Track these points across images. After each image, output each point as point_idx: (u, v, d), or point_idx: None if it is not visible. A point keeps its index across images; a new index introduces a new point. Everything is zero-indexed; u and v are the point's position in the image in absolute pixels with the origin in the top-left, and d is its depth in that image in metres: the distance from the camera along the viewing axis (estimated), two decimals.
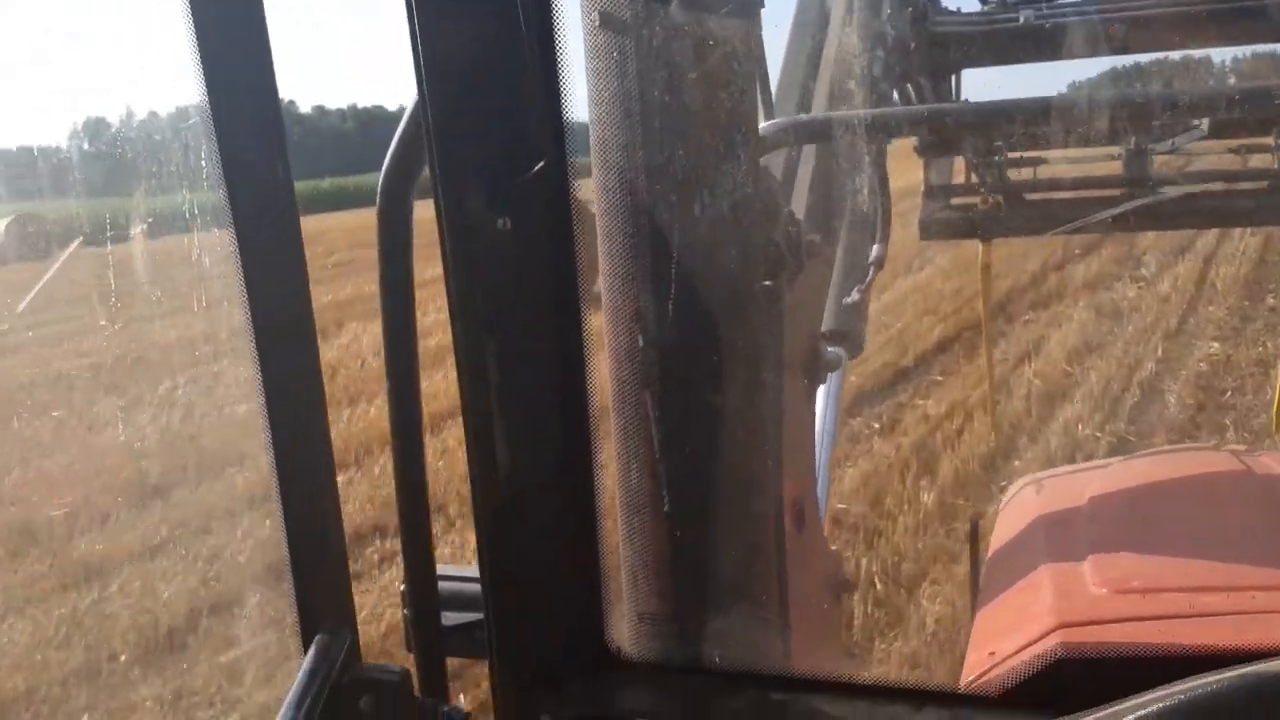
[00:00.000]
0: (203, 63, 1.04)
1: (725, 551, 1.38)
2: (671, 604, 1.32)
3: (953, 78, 3.08)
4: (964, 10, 2.79)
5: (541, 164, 1.05)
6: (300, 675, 1.20)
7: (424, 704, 1.27)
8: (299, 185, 1.18)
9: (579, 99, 1.12)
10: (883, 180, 2.27)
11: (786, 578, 1.48)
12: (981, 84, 3.05)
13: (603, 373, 1.27)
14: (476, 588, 1.49)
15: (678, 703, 1.21)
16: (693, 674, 1.26)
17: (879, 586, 5.65)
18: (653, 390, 1.30)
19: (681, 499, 1.34)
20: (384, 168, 1.23)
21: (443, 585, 1.43)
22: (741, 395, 1.41)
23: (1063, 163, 3.41)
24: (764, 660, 1.32)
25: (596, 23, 1.19)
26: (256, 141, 1.08)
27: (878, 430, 8.38)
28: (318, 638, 1.25)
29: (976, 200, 3.47)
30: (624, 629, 1.29)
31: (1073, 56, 2.63)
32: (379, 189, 1.24)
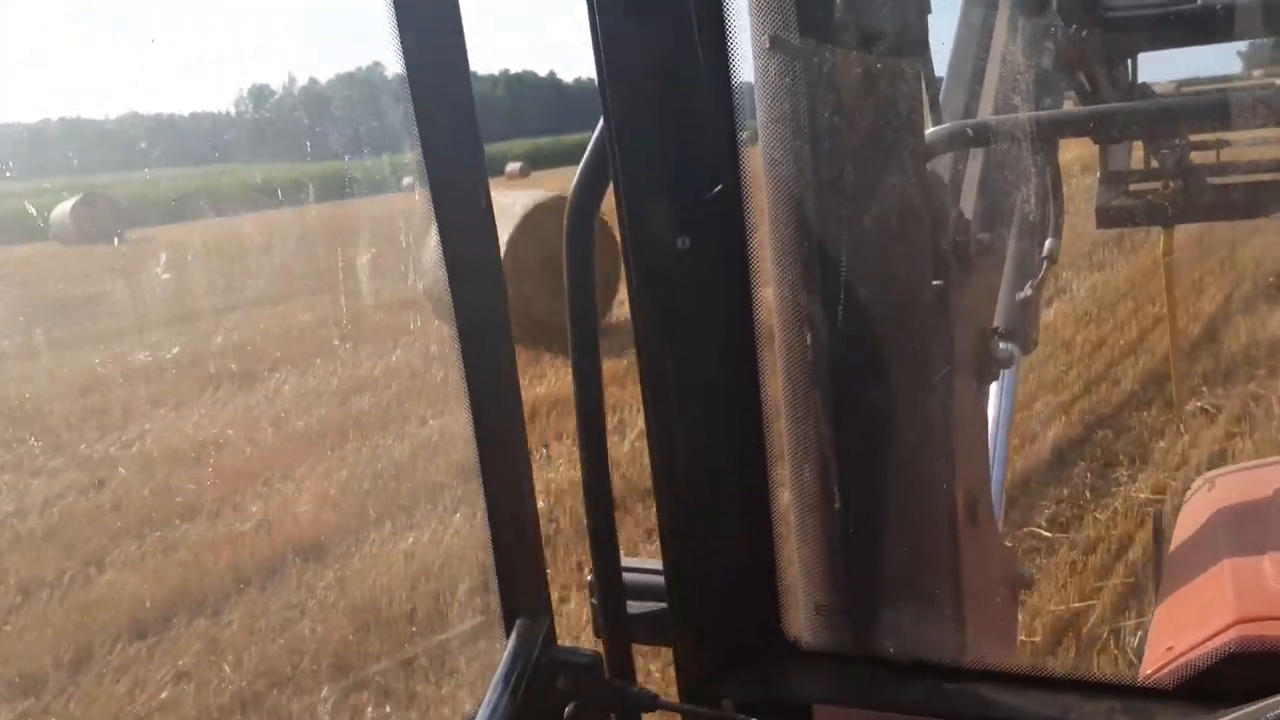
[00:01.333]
0: (400, 31, 1.13)
1: (898, 546, 1.43)
2: (846, 595, 1.38)
3: (1128, 61, 2.99)
4: None
5: (719, 187, 1.12)
6: (504, 656, 1.32)
7: (615, 685, 1.37)
8: None
9: (751, 119, 1.19)
10: (1055, 175, 2.25)
11: (960, 572, 1.51)
12: (1155, 60, 2.95)
13: (777, 376, 1.33)
14: (659, 579, 1.59)
15: (853, 691, 1.26)
16: (868, 663, 1.31)
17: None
18: (825, 391, 1.36)
19: (855, 495, 1.39)
20: (572, 188, 1.32)
21: (627, 576, 1.53)
22: (913, 393, 1.45)
23: (1249, 144, 3.25)
24: (937, 652, 1.36)
25: (767, 45, 1.25)
26: (449, 107, 1.16)
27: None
28: (518, 622, 1.36)
29: (1157, 185, 3.34)
30: (801, 619, 1.36)
31: (1254, 36, 2.52)
32: (567, 208, 1.34)
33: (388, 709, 5.35)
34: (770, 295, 1.30)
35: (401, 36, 1.11)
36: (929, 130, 1.58)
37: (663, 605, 1.59)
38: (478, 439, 1.33)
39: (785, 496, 1.33)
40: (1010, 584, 1.92)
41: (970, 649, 1.49)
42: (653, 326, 1.22)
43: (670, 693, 1.40)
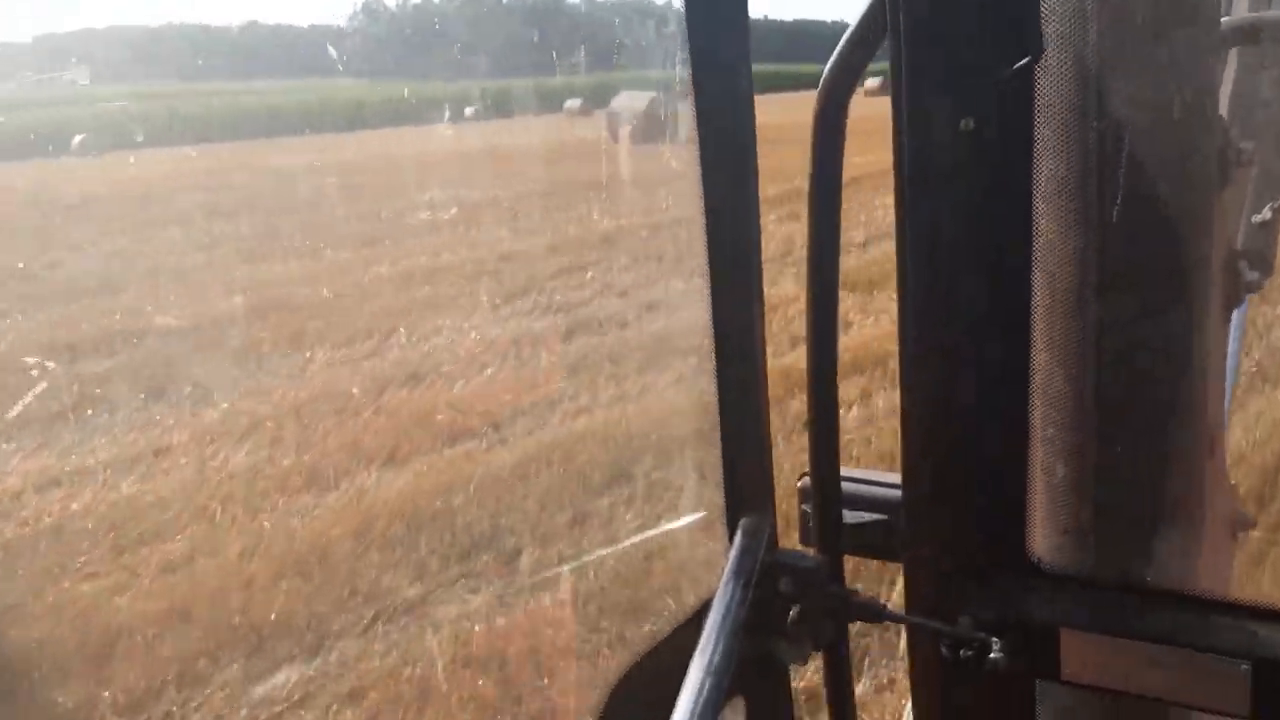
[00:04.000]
0: None
1: (1145, 472, 1.34)
2: (1092, 520, 1.30)
3: None
4: None
5: (1017, 65, 1.04)
6: (732, 553, 1.30)
7: (840, 592, 1.33)
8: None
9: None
10: None
11: (1203, 503, 1.42)
12: None
13: (1040, 280, 1.25)
14: (875, 490, 1.54)
15: (1104, 617, 1.19)
16: (1118, 590, 1.24)
17: None
18: (1087, 306, 1.27)
19: (1105, 415, 1.31)
20: (828, 67, 1.25)
21: (844, 485, 1.48)
22: (1169, 312, 1.35)
23: None
24: (1190, 583, 1.28)
25: None
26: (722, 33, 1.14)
27: None
28: (743, 520, 1.34)
29: None
30: (1044, 540, 1.29)
31: None
32: (820, 89, 1.27)
33: None
34: (1045, 195, 1.21)
35: None
36: (1225, 19, 1.44)
37: (879, 517, 1.55)
38: (715, 336, 1.29)
39: (1039, 412, 1.25)
40: (1234, 525, 1.81)
41: (1218, 583, 1.40)
42: (919, 213, 1.15)
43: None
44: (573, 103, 26.56)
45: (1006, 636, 1.22)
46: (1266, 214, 2.02)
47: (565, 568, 5.78)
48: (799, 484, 1.55)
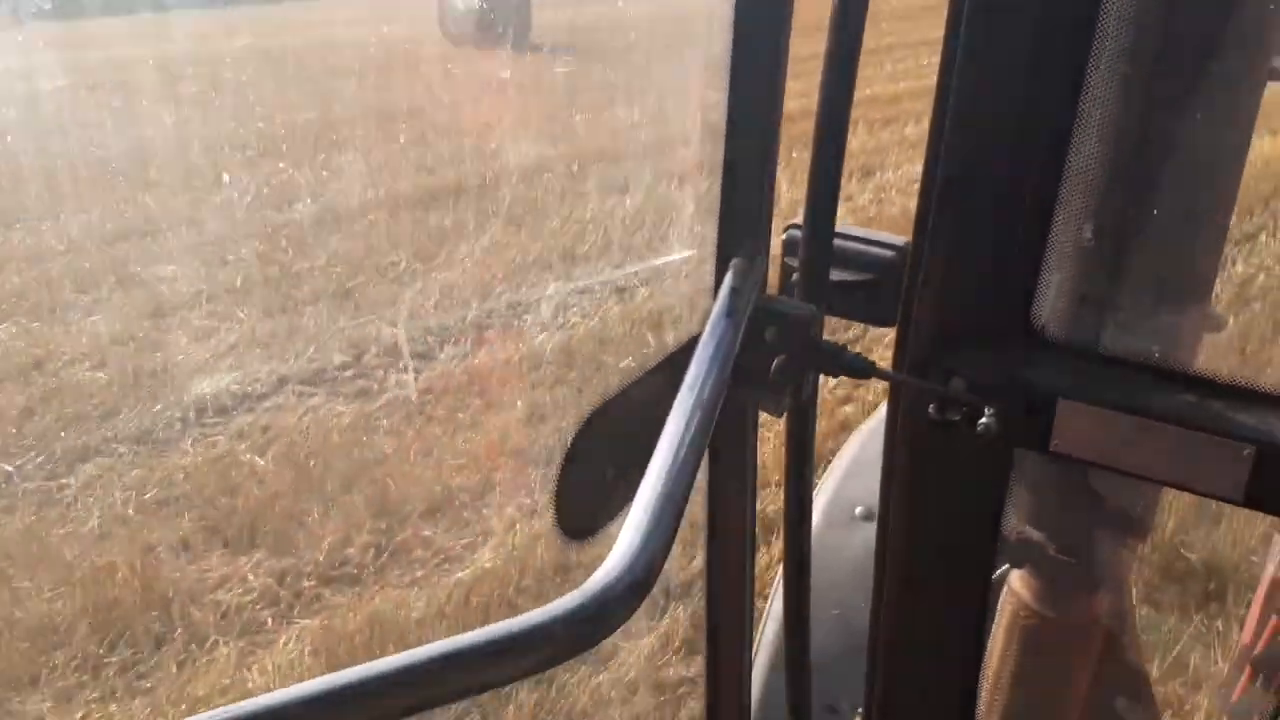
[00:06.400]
0: None
1: (1161, 250, 1.28)
2: (1104, 291, 1.24)
3: None
4: None
5: None
6: (721, 295, 1.21)
7: (828, 345, 1.26)
8: None
9: None
10: None
11: (1209, 292, 1.37)
12: None
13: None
14: (865, 248, 1.46)
15: (1093, 387, 1.15)
16: (1113, 363, 1.19)
17: None
18: (1132, 78, 1.17)
19: (1131, 192, 1.23)
20: None
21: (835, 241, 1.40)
22: (1207, 96, 1.25)
23: None
24: (1185, 364, 1.23)
25: None
26: None
27: None
28: (735, 261, 1.25)
29: None
30: (1050, 308, 1.23)
31: None
32: None
33: None
34: None
35: None
36: None
37: (868, 277, 1.47)
38: (734, 60, 1.17)
39: (1070, 173, 1.16)
40: (1207, 320, 1.79)
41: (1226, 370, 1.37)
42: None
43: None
44: None
45: (1000, 402, 1.17)
46: None
47: None
48: (783, 235, 1.45)
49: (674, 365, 1.15)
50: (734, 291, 1.20)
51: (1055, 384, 1.16)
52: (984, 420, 1.16)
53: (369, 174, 9.95)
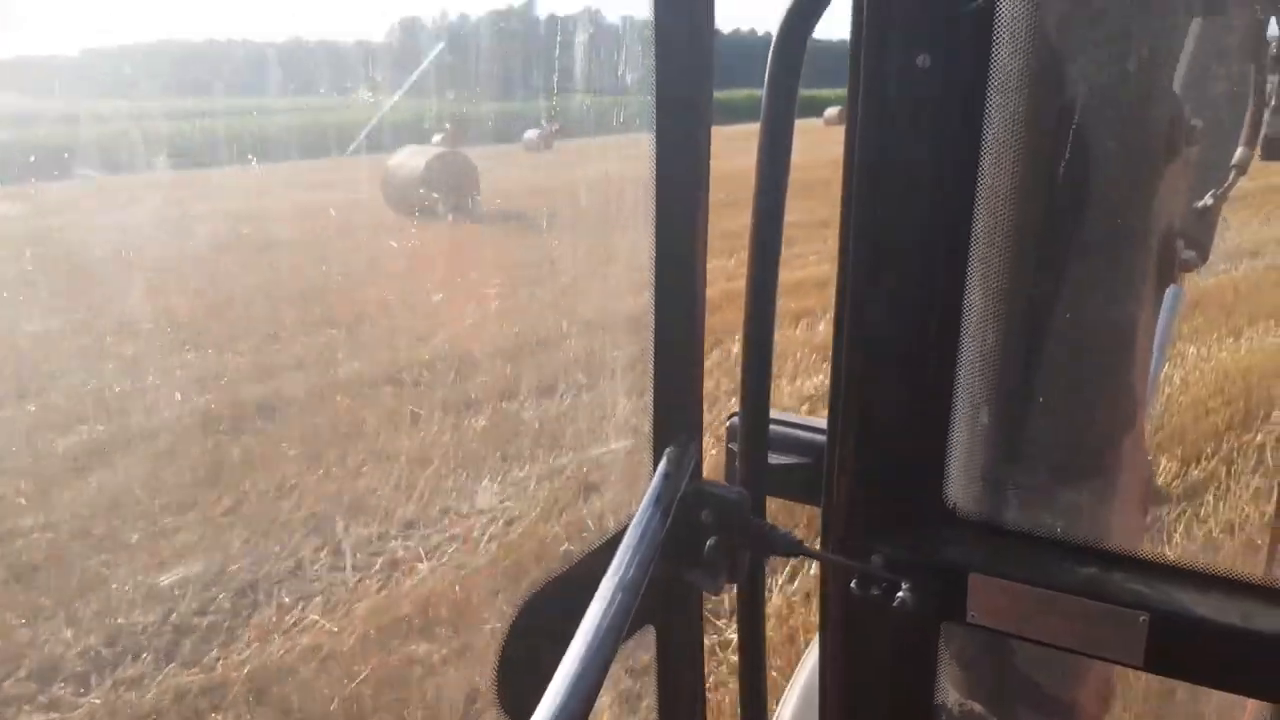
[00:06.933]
0: None
1: (1062, 428, 1.37)
2: (1008, 470, 1.33)
3: None
4: None
5: (973, 3, 1.04)
6: (654, 480, 1.30)
7: (760, 526, 1.34)
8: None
9: None
10: (1260, 75, 2.08)
11: (1120, 466, 1.45)
12: None
13: (980, 238, 1.26)
14: (799, 433, 1.56)
15: (1013, 564, 1.22)
16: (1030, 539, 1.26)
17: None
18: (1023, 260, 1.29)
19: (1032, 369, 1.33)
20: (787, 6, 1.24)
21: (771, 427, 1.49)
22: (1103, 278, 1.37)
23: None
24: (1102, 537, 1.31)
25: None
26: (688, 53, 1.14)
27: None
28: (669, 450, 1.34)
29: None
30: (962, 488, 1.31)
31: None
32: (777, 29, 1.26)
33: None
34: (994, 141, 1.22)
35: None
36: None
37: (804, 460, 1.56)
38: (656, 266, 1.29)
39: (968, 362, 1.27)
40: (1146, 499, 1.86)
41: (1131, 540, 1.43)
42: (868, 155, 1.15)
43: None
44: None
45: (916, 577, 1.24)
46: (1208, 200, 2.06)
47: None
48: (727, 423, 1.56)
49: (611, 548, 1.23)
50: (666, 477, 1.29)
51: (968, 559, 1.23)
52: (901, 594, 1.23)
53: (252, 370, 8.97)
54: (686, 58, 1.18)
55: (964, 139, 1.13)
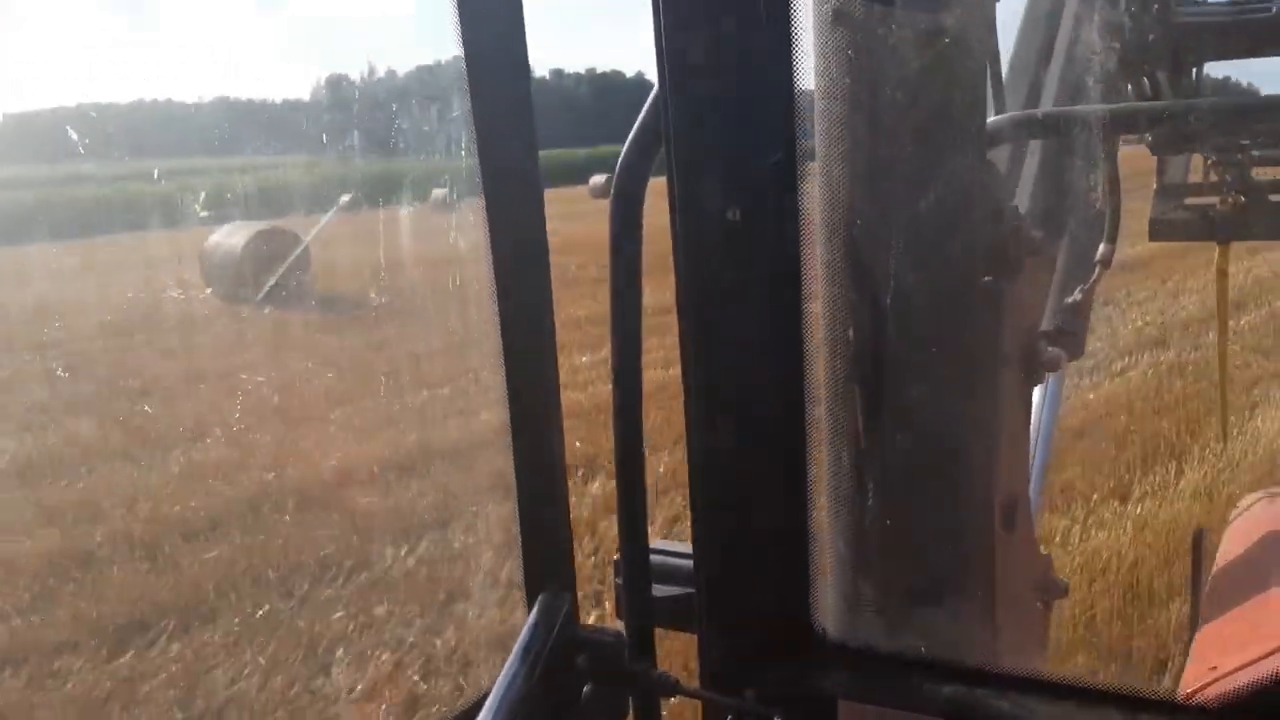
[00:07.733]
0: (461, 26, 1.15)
1: (935, 544, 1.39)
2: (880, 592, 1.34)
3: (1194, 71, 2.91)
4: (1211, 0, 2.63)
5: (776, 158, 1.08)
6: (525, 630, 1.29)
7: (635, 668, 1.34)
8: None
9: (810, 94, 1.15)
10: (1114, 177, 2.19)
11: (994, 576, 1.47)
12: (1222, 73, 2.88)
13: (821, 361, 1.29)
14: (687, 563, 1.56)
15: (881, 688, 1.22)
16: (898, 662, 1.27)
17: None
18: (868, 381, 1.32)
19: (894, 489, 1.35)
20: (621, 156, 1.29)
21: (654, 559, 1.50)
22: (956, 391, 1.41)
23: None
24: (970, 655, 1.32)
25: (830, 19, 1.21)
26: (508, 107, 1.18)
27: None
28: (541, 597, 1.34)
29: (1215, 200, 3.26)
30: (830, 614, 1.32)
31: None
32: (616, 171, 1.31)
33: None
34: (818, 277, 1.26)
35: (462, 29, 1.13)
36: (991, 118, 1.53)
37: (689, 590, 1.56)
38: (512, 415, 1.31)
39: (824, 487, 1.29)
40: (1046, 591, 1.87)
41: (1005, 654, 1.45)
42: (696, 301, 1.18)
43: (694, 681, 1.37)
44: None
45: (789, 710, 1.24)
46: (1076, 295, 2.14)
47: None
48: (614, 559, 1.56)
49: (477, 710, 1.22)
50: (535, 627, 1.29)
51: (835, 686, 1.23)
52: None
53: None
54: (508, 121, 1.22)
55: (785, 280, 1.17)
